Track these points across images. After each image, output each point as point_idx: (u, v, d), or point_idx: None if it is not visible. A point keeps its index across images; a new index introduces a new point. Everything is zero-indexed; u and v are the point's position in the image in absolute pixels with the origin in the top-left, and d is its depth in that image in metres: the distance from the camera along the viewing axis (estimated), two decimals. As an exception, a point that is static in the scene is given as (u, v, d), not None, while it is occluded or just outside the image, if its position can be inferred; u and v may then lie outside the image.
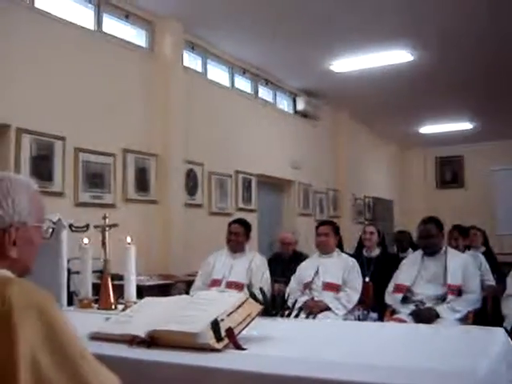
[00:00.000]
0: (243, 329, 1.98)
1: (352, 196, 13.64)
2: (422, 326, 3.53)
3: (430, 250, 4.83)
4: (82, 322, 2.27)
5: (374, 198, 15.08)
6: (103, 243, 3.10)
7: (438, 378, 1.59)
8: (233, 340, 1.91)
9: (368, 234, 6.22)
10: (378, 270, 5.77)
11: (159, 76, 7.83)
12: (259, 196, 10.23)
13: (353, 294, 4.92)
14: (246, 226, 5.37)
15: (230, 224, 5.41)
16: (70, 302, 3.62)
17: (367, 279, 5.44)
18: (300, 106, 11.55)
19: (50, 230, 1.63)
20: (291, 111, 11.74)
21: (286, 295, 4.38)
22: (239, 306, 2.02)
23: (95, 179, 6.81)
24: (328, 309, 4.79)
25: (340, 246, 5.44)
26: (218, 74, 9.50)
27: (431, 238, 4.82)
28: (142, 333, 1.97)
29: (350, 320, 4.69)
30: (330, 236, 5.13)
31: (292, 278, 5.18)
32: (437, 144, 16.01)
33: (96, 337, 2.11)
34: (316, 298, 4.86)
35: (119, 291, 3.14)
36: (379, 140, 15.56)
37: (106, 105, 7.02)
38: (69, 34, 6.61)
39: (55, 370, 1.26)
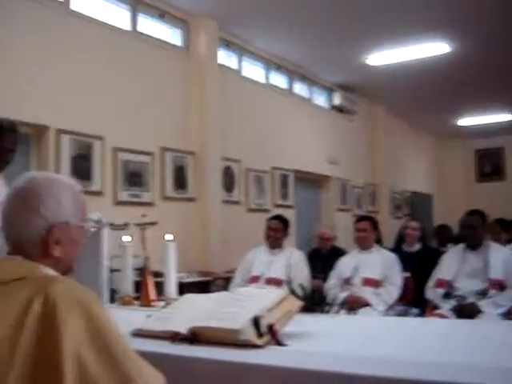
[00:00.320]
0: (284, 325, 1.98)
1: (390, 190, 13.51)
2: (464, 321, 3.48)
3: (472, 241, 4.74)
4: (124, 319, 2.29)
5: (412, 192, 14.91)
6: (143, 241, 3.13)
7: (481, 374, 1.56)
8: (274, 336, 1.90)
9: (411, 229, 6.14)
10: (418, 265, 5.69)
11: (195, 74, 7.87)
12: (296, 192, 10.21)
13: (393, 290, 4.88)
14: (284, 222, 5.36)
15: (268, 220, 5.41)
16: (112, 300, 3.67)
17: (407, 274, 5.38)
18: (336, 100, 11.48)
19: (92, 230, 1.65)
20: (327, 106, 11.68)
21: (326, 291, 4.36)
22: (279, 302, 2.02)
23: (134, 178, 6.89)
24: (368, 305, 4.75)
25: (379, 241, 5.39)
26: (252, 70, 9.49)
27: (473, 230, 4.74)
28: (183, 329, 1.98)
29: (391, 316, 4.64)
30: (368, 231, 5.09)
31: (331, 274, 5.16)
32: (475, 136, 15.73)
33: (138, 333, 2.14)
34: (356, 294, 4.82)
35: (159, 288, 3.17)
36: (416, 133, 15.37)
37: (143, 104, 7.08)
38: (105, 35, 6.69)
39: (99, 367, 1.27)
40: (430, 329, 2.54)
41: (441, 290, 4.70)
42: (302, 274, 5.09)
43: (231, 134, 8.37)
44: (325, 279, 5.27)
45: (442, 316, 4.34)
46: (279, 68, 10.03)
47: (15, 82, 5.65)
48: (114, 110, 6.68)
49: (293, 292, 2.50)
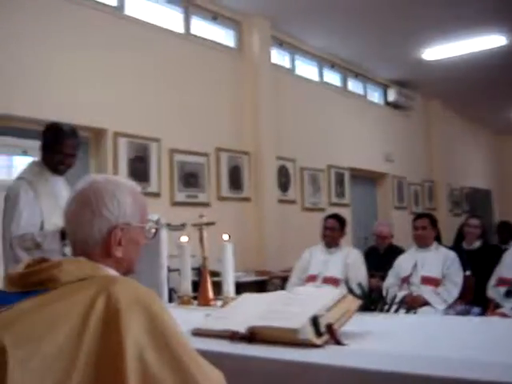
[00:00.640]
0: (343, 324, 1.96)
1: (448, 187, 13.25)
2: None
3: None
4: (183, 319, 2.31)
5: (470, 188, 14.59)
6: (201, 241, 3.16)
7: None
8: (333, 335, 1.89)
9: (472, 227, 6.00)
10: (479, 263, 5.57)
11: (248, 74, 7.90)
12: (352, 190, 10.14)
13: (453, 289, 4.79)
14: (341, 221, 5.33)
15: (324, 219, 5.38)
16: (170, 299, 3.72)
17: (468, 272, 5.27)
18: (391, 97, 11.35)
19: (153, 231, 1.67)
20: (382, 103, 11.56)
21: (384, 290, 4.31)
22: (338, 302, 2.00)
23: (190, 179, 6.97)
24: (427, 303, 4.67)
25: (438, 239, 5.30)
26: (306, 69, 9.47)
27: None
28: (241, 328, 1.99)
29: (451, 315, 4.56)
30: (427, 229, 5.00)
31: (389, 273, 5.10)
32: (536, 129, 15.30)
33: (198, 333, 2.15)
34: (415, 293, 4.75)
35: (216, 288, 3.19)
36: (474, 128, 15.04)
37: (198, 105, 7.16)
38: (158, 39, 6.79)
39: (160, 365, 1.29)
40: (491, 329, 2.48)
41: (502, 289, 4.60)
42: (359, 272, 5.05)
43: (285, 133, 8.38)
44: (382, 278, 5.21)
45: (503, 315, 4.24)
46: (333, 66, 9.98)
47: (73, 88, 5.80)
48: (170, 112, 6.77)
49: (351, 291, 2.48)
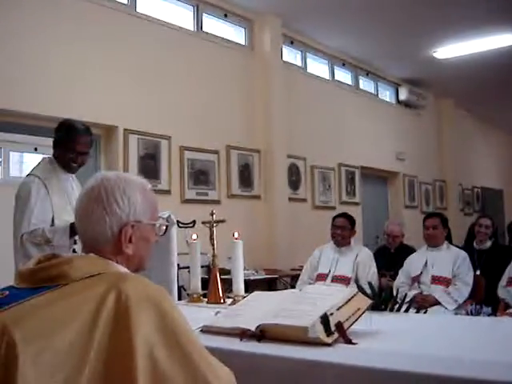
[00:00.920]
0: (353, 323, 1.96)
1: (459, 186, 13.20)
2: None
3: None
4: (193, 316, 2.31)
5: (482, 187, 14.52)
6: (211, 239, 3.16)
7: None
8: (343, 334, 1.89)
9: (483, 227, 5.97)
10: (489, 263, 5.54)
11: (259, 72, 7.90)
12: (363, 189, 10.11)
13: (463, 288, 4.77)
14: (350, 219, 5.31)
15: (334, 219, 5.36)
16: (179, 297, 3.72)
17: (478, 272, 5.24)
18: (403, 95, 11.32)
19: (164, 228, 1.67)
20: (394, 101, 11.53)
21: (395, 289, 4.30)
22: (348, 300, 2.00)
23: (200, 176, 6.98)
24: (437, 303, 4.66)
25: (449, 239, 5.27)
26: (317, 67, 9.46)
27: None
28: (251, 326, 1.99)
29: (461, 315, 4.53)
30: (438, 228, 4.98)
31: (400, 272, 5.08)
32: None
33: (207, 330, 2.16)
34: (425, 292, 4.74)
35: (226, 285, 3.19)
36: (486, 127, 14.97)
37: (209, 103, 7.16)
38: (170, 36, 6.80)
39: (170, 362, 1.29)
40: (501, 328, 2.47)
41: (514, 289, 4.56)
42: (369, 271, 5.03)
43: (296, 132, 8.37)
44: (393, 277, 5.19)
45: (514, 315, 4.21)
46: (344, 64, 9.96)
47: (84, 85, 5.81)
48: (180, 110, 6.78)
49: (361, 290, 2.47)
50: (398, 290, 4.21)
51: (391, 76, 11.20)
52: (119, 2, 6.33)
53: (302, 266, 5.67)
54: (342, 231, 5.19)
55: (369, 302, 2.10)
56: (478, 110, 13.56)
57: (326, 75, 9.66)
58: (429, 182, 12.30)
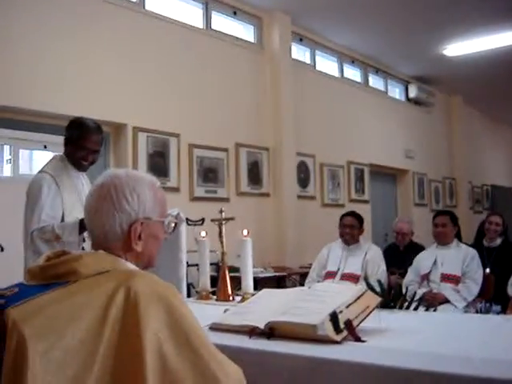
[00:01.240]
0: (362, 321, 1.96)
1: (469, 184, 13.15)
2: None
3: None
4: (202, 314, 2.32)
5: (492, 185, 14.45)
6: (220, 236, 3.16)
7: None
8: (352, 332, 1.89)
9: (494, 224, 5.94)
10: (499, 261, 5.52)
11: (268, 70, 7.90)
12: (372, 186, 10.09)
13: (473, 286, 4.75)
14: (358, 218, 5.29)
15: (342, 217, 5.34)
16: (188, 294, 3.73)
17: (488, 270, 5.22)
18: (412, 93, 11.28)
19: (173, 225, 1.67)
20: (403, 99, 11.49)
21: (404, 287, 4.29)
22: (358, 298, 2.00)
23: (209, 174, 6.98)
24: (447, 301, 4.64)
25: (458, 237, 5.25)
26: (326, 64, 9.44)
27: None
28: (260, 324, 1.99)
29: (471, 313, 4.52)
30: (448, 226, 4.96)
31: (409, 270, 5.07)
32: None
33: (216, 327, 2.16)
34: (434, 290, 4.72)
35: (234, 283, 3.19)
36: (496, 125, 14.90)
37: (218, 101, 7.16)
38: (179, 34, 6.80)
39: (179, 359, 1.29)
40: (510, 327, 2.45)
41: (523, 286, 4.54)
42: (378, 269, 5.01)
43: (305, 129, 8.36)
44: (402, 275, 5.18)
45: (524, 313, 4.19)
46: (353, 61, 9.94)
47: (94, 83, 5.83)
48: (189, 108, 6.78)
49: (370, 288, 2.47)
50: (407, 288, 4.21)
51: (401, 73, 11.17)
52: (129, 0, 6.33)
53: (310, 264, 5.66)
54: (351, 230, 5.17)
55: (378, 299, 2.10)
56: (487, 107, 13.49)
57: (335, 73, 9.64)
58: (438, 179, 12.26)
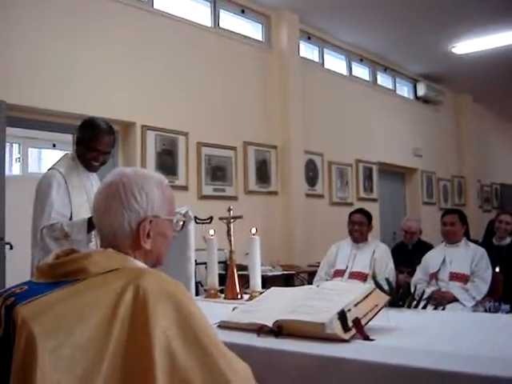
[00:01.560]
0: (370, 319, 1.95)
1: (478, 183, 13.10)
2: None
3: None
4: (210, 312, 2.32)
5: (501, 184, 14.39)
6: (228, 235, 3.16)
7: None
8: (360, 330, 1.88)
9: (504, 223, 5.92)
10: (509, 259, 5.50)
11: (276, 68, 7.90)
12: (380, 185, 10.07)
13: (481, 285, 4.73)
14: (367, 215, 5.28)
15: (351, 215, 5.33)
16: (196, 293, 3.73)
17: (497, 269, 5.20)
18: (421, 91, 11.25)
19: (181, 223, 1.68)
20: (412, 97, 11.47)
21: (412, 286, 4.28)
22: (366, 297, 1.99)
23: (217, 172, 6.99)
24: (455, 300, 4.63)
25: (467, 235, 5.23)
26: (334, 62, 9.43)
27: None
28: (269, 322, 1.99)
29: (480, 312, 4.50)
30: (456, 225, 4.94)
31: (417, 268, 5.06)
32: None
33: (224, 325, 2.16)
34: (443, 289, 4.71)
35: (243, 281, 3.19)
36: (506, 123, 14.84)
37: (226, 99, 7.17)
38: (187, 33, 6.81)
39: (188, 356, 1.29)
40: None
41: (533, 285, 4.52)
42: (386, 267, 5.00)
43: (313, 128, 8.35)
44: (411, 273, 5.17)
45: (534, 312, 4.17)
46: (362, 60, 9.92)
47: (102, 82, 5.84)
48: (198, 106, 6.79)
49: (379, 286, 2.46)
50: (415, 287, 4.21)
51: (409, 71, 11.14)
52: (137, -1, 6.36)
53: (319, 263, 5.66)
54: (360, 227, 5.16)
55: (386, 298, 2.10)
56: (496, 105, 13.44)
57: (343, 71, 9.62)
58: (447, 178, 12.23)
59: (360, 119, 9.61)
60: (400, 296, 2.66)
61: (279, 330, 1.96)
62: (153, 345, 1.25)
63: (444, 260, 4.87)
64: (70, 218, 3.25)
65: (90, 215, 3.05)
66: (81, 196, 3.33)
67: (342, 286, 2.24)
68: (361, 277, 4.94)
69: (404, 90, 11.46)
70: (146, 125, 6.25)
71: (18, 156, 6.88)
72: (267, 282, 5.79)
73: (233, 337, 1.95)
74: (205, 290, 3.30)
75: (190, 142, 6.70)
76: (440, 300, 4.51)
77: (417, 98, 11.48)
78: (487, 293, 4.76)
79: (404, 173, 11.35)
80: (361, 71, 10.10)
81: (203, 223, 4.12)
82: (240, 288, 3.09)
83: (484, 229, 7.47)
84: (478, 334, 2.16)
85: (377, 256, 5.05)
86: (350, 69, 9.74)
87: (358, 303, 1.95)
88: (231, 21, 7.66)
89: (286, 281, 6.98)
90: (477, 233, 7.78)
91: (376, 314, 1.99)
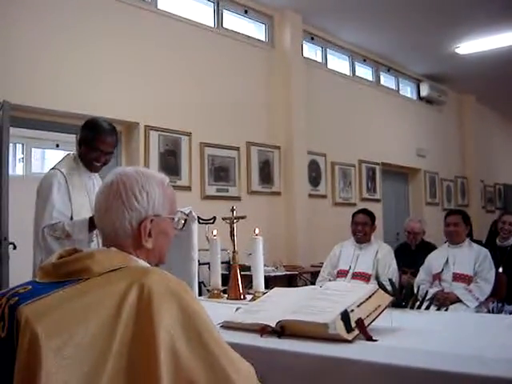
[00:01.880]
0: (373, 320, 1.95)
1: (481, 183, 13.08)
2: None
3: None
4: (213, 312, 2.32)
5: (504, 184, 14.37)
6: (231, 235, 3.16)
7: None
8: (363, 331, 1.88)
9: (507, 223, 5.91)
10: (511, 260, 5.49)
11: (280, 68, 7.89)
12: (384, 185, 10.06)
13: (485, 286, 4.72)
14: (371, 215, 5.28)
15: (354, 215, 5.33)
16: (199, 293, 3.73)
17: (500, 270, 5.19)
18: (424, 91, 11.24)
19: (183, 222, 1.68)
20: (415, 97, 11.46)
21: (416, 287, 4.27)
22: (369, 297, 1.99)
23: (220, 172, 6.99)
24: (459, 301, 4.62)
25: (470, 236, 5.23)
26: (337, 63, 9.43)
27: None
28: (272, 322, 1.99)
29: (483, 312, 4.50)
30: (460, 226, 4.94)
31: (420, 269, 5.05)
32: None
33: (227, 326, 2.16)
34: (446, 290, 4.71)
35: (246, 281, 3.19)
36: (509, 124, 14.82)
37: (229, 99, 7.17)
38: (190, 33, 6.81)
39: (192, 356, 1.29)
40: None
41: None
42: (389, 268, 5.00)
43: (316, 128, 8.35)
44: (414, 274, 5.16)
45: (538, 313, 4.16)
46: (365, 60, 9.91)
47: (106, 82, 5.85)
48: (201, 106, 6.79)
49: (382, 287, 2.46)
50: (418, 287, 4.18)
51: (412, 72, 11.13)
52: (140, -1, 6.36)
53: (322, 263, 5.65)
54: (363, 227, 5.16)
55: (389, 298, 2.10)
56: (500, 106, 13.42)
57: (346, 71, 9.62)
58: (450, 178, 12.21)
59: (363, 119, 9.60)
60: (403, 297, 2.66)
61: (282, 330, 1.96)
62: (157, 344, 1.25)
63: (447, 261, 4.87)
64: (71, 218, 3.25)
65: (90, 215, 3.06)
66: (82, 196, 3.33)
67: (345, 287, 2.24)
68: (364, 277, 4.94)
69: (407, 91, 11.45)
70: (149, 125, 6.26)
71: (22, 156, 6.89)
72: (270, 283, 5.77)
73: (236, 337, 1.95)
74: (208, 290, 3.31)
75: (193, 143, 6.71)
76: (443, 301, 4.51)
77: (420, 98, 11.47)
78: (490, 293, 4.75)
79: (407, 173, 11.33)
80: (364, 71, 10.10)
81: (206, 223, 4.13)
82: (243, 288, 3.09)
83: (487, 229, 7.46)
84: (481, 334, 2.16)
85: (380, 256, 5.04)
86: (353, 69, 9.73)
87: (361, 304, 1.95)
88: (234, 21, 7.66)
89: (289, 281, 6.98)
90: (480, 233, 7.77)
91: (379, 315, 1.99)
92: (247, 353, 1.53)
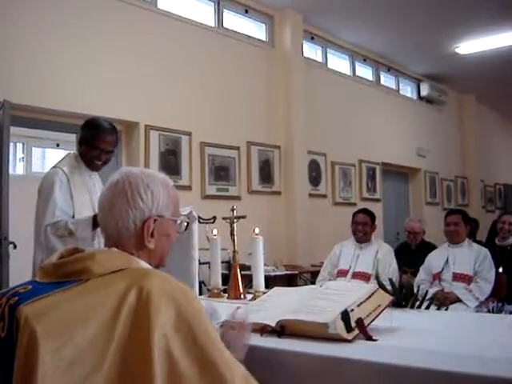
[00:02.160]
0: (373, 319, 1.95)
1: (481, 183, 13.08)
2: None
3: None
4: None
5: (504, 184, 14.37)
6: (232, 235, 3.16)
7: None
8: (363, 331, 1.88)
9: (507, 223, 5.91)
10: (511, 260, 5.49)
11: (280, 68, 7.89)
12: (384, 185, 10.06)
13: (485, 286, 4.73)
14: (371, 215, 5.28)
15: (355, 215, 5.33)
16: (200, 292, 3.73)
17: (500, 269, 5.19)
18: (424, 91, 11.24)
19: (185, 225, 1.68)
20: (415, 97, 11.46)
21: (416, 286, 4.27)
22: (369, 297, 1.99)
23: (221, 172, 6.99)
24: (459, 300, 4.62)
25: (470, 236, 5.23)
26: (338, 62, 9.43)
27: None
28: (272, 322, 1.99)
29: (483, 312, 4.50)
30: (460, 225, 4.94)
31: (421, 269, 5.05)
32: None
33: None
34: (446, 289, 4.71)
35: (246, 281, 3.19)
36: (509, 124, 14.82)
37: (229, 99, 7.17)
38: (191, 32, 6.81)
39: (187, 357, 1.29)
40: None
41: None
42: (389, 268, 5.00)
43: (317, 128, 8.35)
44: (414, 274, 5.16)
45: (537, 313, 4.16)
46: (365, 60, 9.91)
47: (106, 81, 5.85)
48: (201, 106, 6.79)
49: (382, 286, 2.46)
50: (418, 287, 4.19)
51: (413, 71, 11.13)
52: (140, -1, 6.36)
53: (322, 263, 5.65)
54: (364, 227, 5.16)
55: (389, 298, 2.10)
56: (500, 106, 13.41)
57: (346, 71, 9.62)
58: (450, 178, 12.21)
59: (363, 119, 9.60)
60: (403, 296, 2.66)
61: (282, 329, 1.96)
62: (152, 345, 1.25)
63: (447, 260, 4.87)
64: (73, 217, 3.25)
65: (92, 214, 3.06)
66: (83, 195, 3.34)
67: (345, 286, 2.24)
68: (364, 277, 4.94)
69: (407, 90, 11.45)
70: (150, 125, 6.26)
71: (22, 155, 6.89)
72: (270, 282, 5.77)
73: (236, 336, 1.95)
74: (208, 289, 3.31)
75: (194, 142, 6.71)
76: (443, 300, 4.51)
77: (420, 98, 11.47)
78: (490, 293, 4.76)
79: (407, 173, 11.34)
80: (364, 71, 10.10)
81: (206, 223, 4.12)
82: (243, 288, 3.09)
83: (487, 229, 7.46)
84: (481, 334, 2.16)
85: (380, 256, 5.04)
86: (353, 69, 9.73)
87: (361, 303, 1.95)
88: (235, 21, 7.66)
89: (289, 281, 6.98)
90: (480, 233, 7.77)
91: (379, 315, 1.98)
92: (247, 352, 1.53)
